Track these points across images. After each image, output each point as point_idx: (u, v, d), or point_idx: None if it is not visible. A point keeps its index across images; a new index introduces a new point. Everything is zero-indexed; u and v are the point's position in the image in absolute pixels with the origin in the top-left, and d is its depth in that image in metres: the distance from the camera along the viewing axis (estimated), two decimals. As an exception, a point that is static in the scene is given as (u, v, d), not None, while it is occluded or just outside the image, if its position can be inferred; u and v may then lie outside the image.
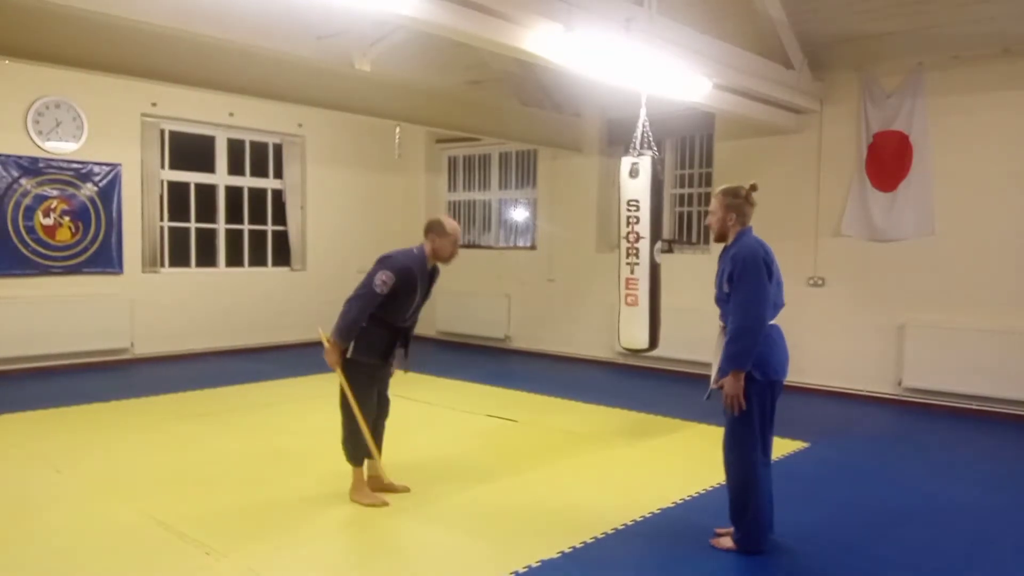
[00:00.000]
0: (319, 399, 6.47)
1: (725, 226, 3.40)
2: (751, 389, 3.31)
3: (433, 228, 3.88)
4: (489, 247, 10.02)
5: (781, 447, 5.15)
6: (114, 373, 7.53)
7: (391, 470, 4.09)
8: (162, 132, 8.38)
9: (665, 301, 5.33)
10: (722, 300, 3.38)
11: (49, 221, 7.49)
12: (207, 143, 8.88)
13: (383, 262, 3.74)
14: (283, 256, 9.61)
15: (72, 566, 3.12)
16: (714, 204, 3.44)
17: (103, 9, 4.89)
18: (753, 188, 3.48)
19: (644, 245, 5.11)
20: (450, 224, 3.91)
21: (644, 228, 5.10)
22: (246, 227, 9.29)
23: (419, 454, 4.82)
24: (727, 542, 3.40)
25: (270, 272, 9.48)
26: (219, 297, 8.83)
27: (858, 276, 6.87)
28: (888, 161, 6.62)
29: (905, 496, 4.23)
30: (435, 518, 3.71)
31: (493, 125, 7.81)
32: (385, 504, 3.81)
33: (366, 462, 3.93)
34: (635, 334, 5.23)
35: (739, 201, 3.40)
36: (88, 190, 7.73)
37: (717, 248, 8.10)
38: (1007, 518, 3.93)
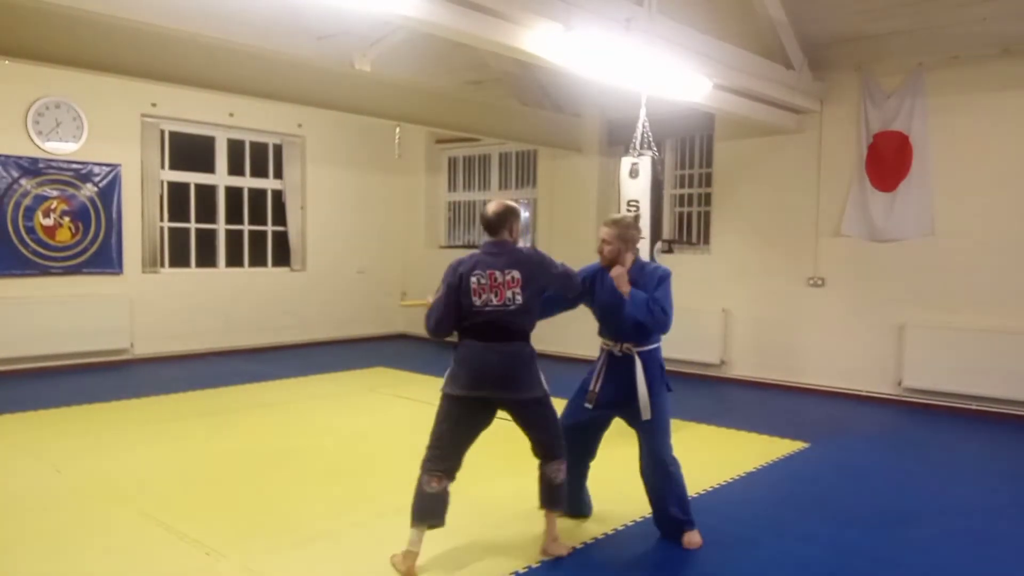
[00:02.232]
0: (319, 399, 6.48)
1: (621, 255, 3.50)
2: (668, 399, 3.52)
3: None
4: (489, 247, 10.00)
5: (781, 447, 5.16)
6: (114, 373, 7.53)
7: (390, 472, 4.07)
8: (162, 132, 8.38)
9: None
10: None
11: (49, 221, 7.48)
12: (207, 143, 8.87)
13: None
14: (283, 256, 9.61)
15: (72, 566, 3.12)
16: (608, 233, 3.51)
17: (103, 9, 4.89)
18: (636, 218, 3.79)
19: (644, 246, 5.10)
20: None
21: (644, 228, 5.08)
22: (246, 227, 9.29)
23: (419, 455, 4.81)
24: (696, 538, 3.44)
25: (270, 272, 9.48)
26: (219, 297, 8.83)
27: (858, 276, 6.87)
28: (888, 161, 6.62)
29: (905, 496, 4.22)
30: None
31: (493, 125, 7.81)
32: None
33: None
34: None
35: (632, 232, 3.57)
36: (88, 190, 7.73)
37: (719, 248, 8.16)
38: (1007, 518, 3.92)
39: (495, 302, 3.19)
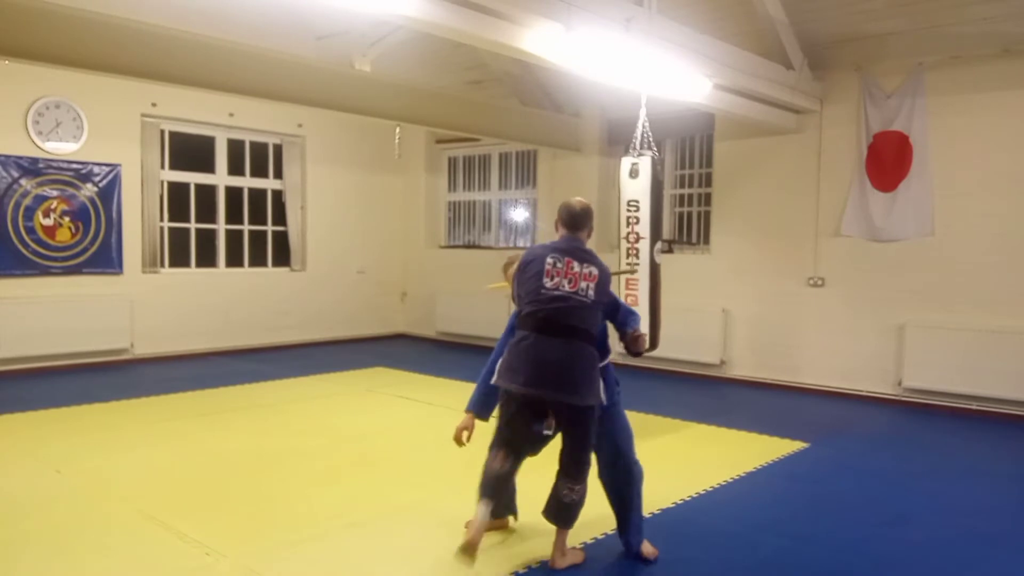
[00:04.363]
0: (319, 399, 6.48)
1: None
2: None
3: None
4: (489, 247, 10.02)
5: (781, 447, 5.16)
6: (114, 373, 7.53)
7: (390, 472, 4.08)
8: (162, 132, 8.38)
9: (665, 301, 5.33)
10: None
11: (49, 221, 7.49)
12: (207, 143, 8.87)
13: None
14: (283, 256, 9.61)
15: (72, 566, 3.12)
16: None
17: (103, 9, 4.90)
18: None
19: (644, 245, 5.11)
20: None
21: (644, 228, 5.10)
22: (246, 227, 9.29)
23: (419, 454, 4.82)
24: (651, 548, 3.29)
25: (270, 272, 9.48)
26: (219, 297, 8.83)
27: (858, 276, 6.87)
28: (888, 161, 6.62)
29: (905, 496, 4.23)
30: (435, 518, 3.70)
31: (493, 125, 7.82)
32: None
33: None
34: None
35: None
36: (88, 190, 7.73)
37: (719, 248, 8.16)
38: (1007, 518, 3.93)
39: (567, 288, 2.98)
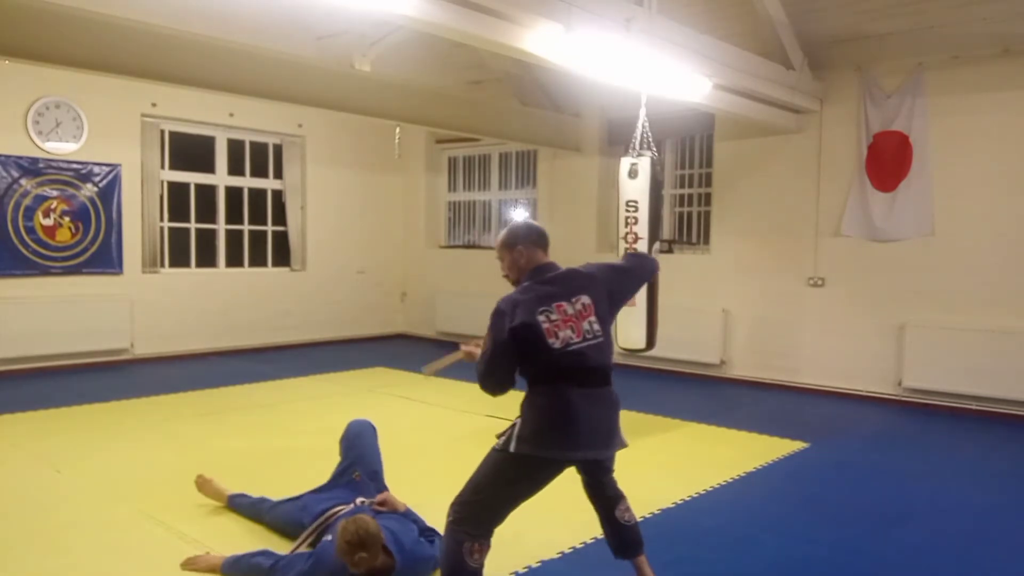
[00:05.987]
0: (319, 399, 6.48)
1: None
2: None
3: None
4: (489, 247, 10.01)
5: (781, 447, 5.16)
6: (114, 373, 7.53)
7: (389, 472, 4.07)
8: (162, 132, 8.37)
9: (665, 301, 5.33)
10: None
11: (49, 221, 7.49)
12: (207, 143, 8.87)
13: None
14: (283, 256, 9.61)
15: (72, 566, 3.12)
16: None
17: (103, 9, 4.90)
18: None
19: (642, 246, 5.10)
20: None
21: (642, 229, 5.09)
22: (246, 227, 9.29)
23: (418, 454, 4.82)
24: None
25: (270, 272, 9.48)
26: (219, 297, 8.83)
27: (858, 276, 6.87)
28: (888, 161, 6.62)
29: (905, 496, 4.23)
30: (436, 518, 3.70)
31: (493, 125, 7.82)
32: None
33: None
34: (633, 334, 5.23)
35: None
36: (88, 190, 7.73)
37: (719, 248, 8.15)
38: (1007, 518, 3.93)
39: (575, 340, 2.56)
